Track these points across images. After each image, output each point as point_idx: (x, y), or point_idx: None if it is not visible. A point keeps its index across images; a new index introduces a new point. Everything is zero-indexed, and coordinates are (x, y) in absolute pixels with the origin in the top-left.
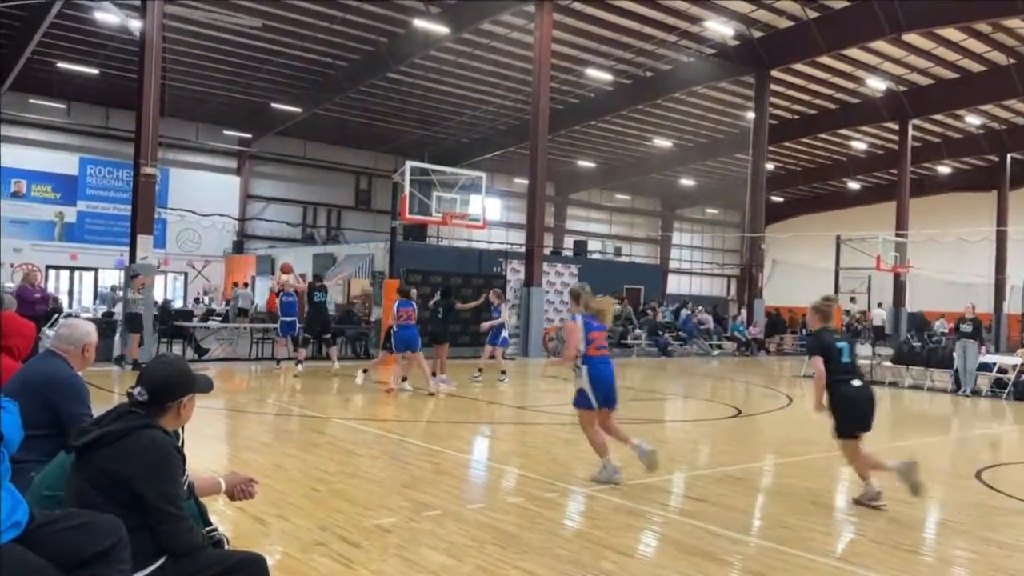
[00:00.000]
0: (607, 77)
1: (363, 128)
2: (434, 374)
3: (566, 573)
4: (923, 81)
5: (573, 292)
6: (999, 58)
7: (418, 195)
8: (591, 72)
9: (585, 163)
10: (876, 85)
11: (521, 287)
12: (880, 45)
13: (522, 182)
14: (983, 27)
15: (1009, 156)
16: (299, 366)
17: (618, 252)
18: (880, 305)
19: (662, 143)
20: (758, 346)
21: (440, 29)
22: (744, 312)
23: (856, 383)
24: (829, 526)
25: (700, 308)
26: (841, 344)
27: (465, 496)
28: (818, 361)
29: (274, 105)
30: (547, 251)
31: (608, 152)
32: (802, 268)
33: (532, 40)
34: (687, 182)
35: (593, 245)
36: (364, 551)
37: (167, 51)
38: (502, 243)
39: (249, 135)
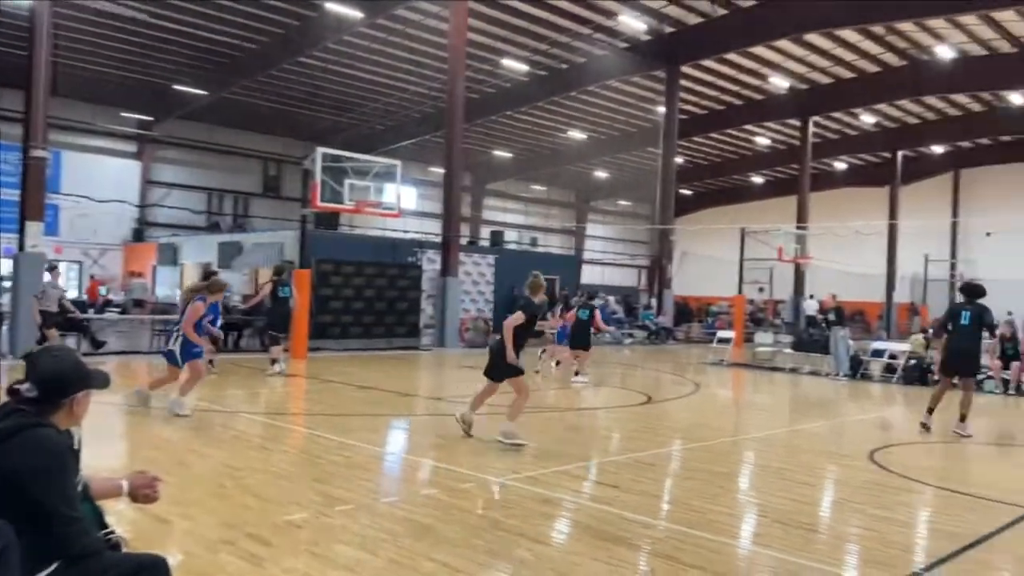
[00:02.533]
0: (523, 68)
1: (273, 113)
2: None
3: (481, 563)
4: (823, 80)
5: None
6: (892, 59)
7: (330, 182)
8: (507, 62)
9: (502, 153)
10: (780, 83)
11: (437, 277)
12: (784, 44)
13: (438, 171)
14: (878, 30)
15: (900, 153)
16: (275, 366)
17: (534, 243)
18: (812, 296)
19: (577, 135)
20: (667, 334)
21: (353, 13)
22: (654, 301)
23: None
24: (733, 508)
25: (606, 297)
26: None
27: (379, 489)
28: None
29: (177, 87)
30: (464, 241)
31: (525, 143)
32: (709, 259)
33: (448, 27)
34: (601, 174)
35: (510, 235)
36: (274, 548)
37: (60, 27)
38: (418, 232)
39: (151, 118)
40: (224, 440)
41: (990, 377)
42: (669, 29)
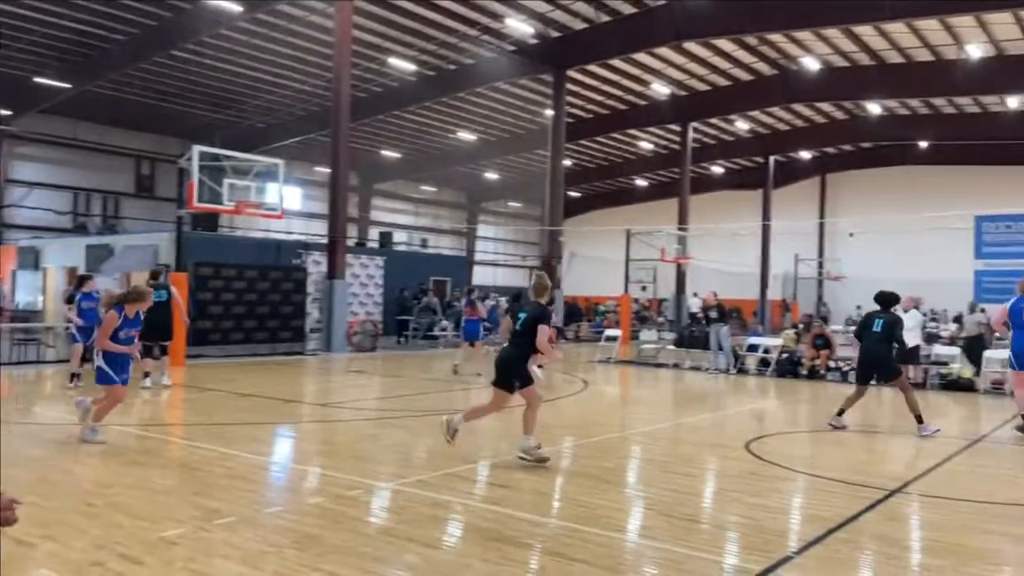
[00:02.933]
0: (410, 67)
1: (145, 108)
2: None
3: (370, 571)
4: (701, 87)
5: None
6: (764, 69)
7: (208, 182)
8: (394, 61)
9: (390, 153)
10: (661, 89)
11: (323, 280)
12: (664, 51)
13: (324, 171)
14: (751, 40)
15: (772, 158)
16: (147, 379)
17: (424, 244)
18: (696, 294)
19: (466, 136)
20: (557, 334)
21: (232, 6)
22: None
23: None
24: (621, 502)
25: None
26: None
27: (262, 500)
28: None
29: (37, 80)
30: (351, 242)
31: (414, 143)
32: (597, 260)
33: (332, 24)
34: (491, 176)
35: (399, 237)
36: (147, 567)
37: None
38: (303, 234)
39: (8, 112)
40: (92, 455)
41: (848, 369)
42: (555, 33)
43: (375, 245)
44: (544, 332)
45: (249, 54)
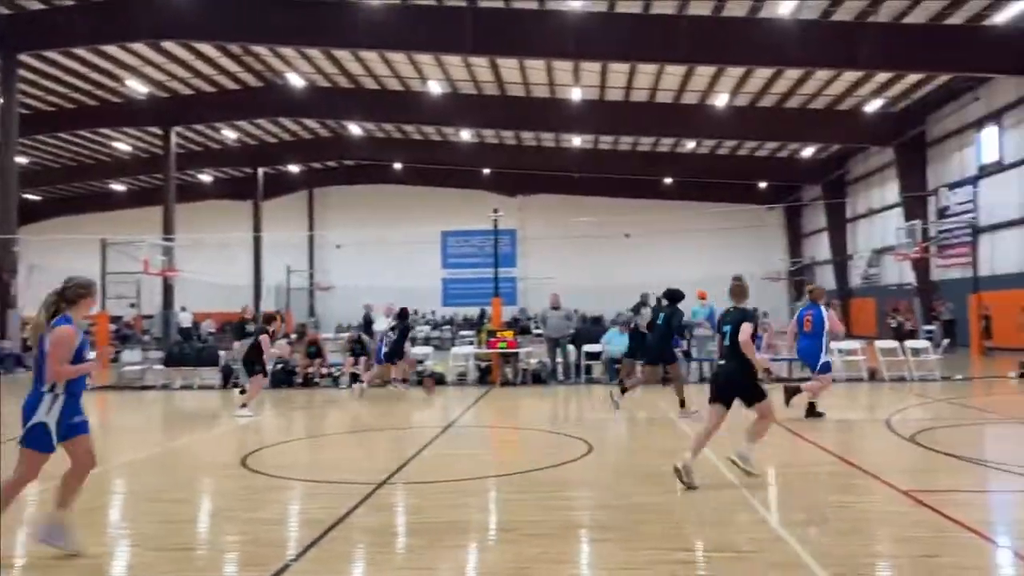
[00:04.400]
0: None
1: None
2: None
3: None
4: (184, 90)
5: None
6: (251, 80)
7: None
8: None
9: None
10: (138, 88)
11: None
12: (140, 48)
13: None
14: (235, 48)
15: (261, 170)
16: None
17: None
18: (184, 309)
19: None
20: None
21: None
22: None
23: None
24: (107, 545)
25: None
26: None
27: None
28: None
29: None
30: None
31: None
32: (65, 273)
33: None
34: None
35: None
36: None
37: None
38: None
39: None
40: None
41: (339, 375)
42: (4, 11)
43: None
44: (747, 331)
45: None
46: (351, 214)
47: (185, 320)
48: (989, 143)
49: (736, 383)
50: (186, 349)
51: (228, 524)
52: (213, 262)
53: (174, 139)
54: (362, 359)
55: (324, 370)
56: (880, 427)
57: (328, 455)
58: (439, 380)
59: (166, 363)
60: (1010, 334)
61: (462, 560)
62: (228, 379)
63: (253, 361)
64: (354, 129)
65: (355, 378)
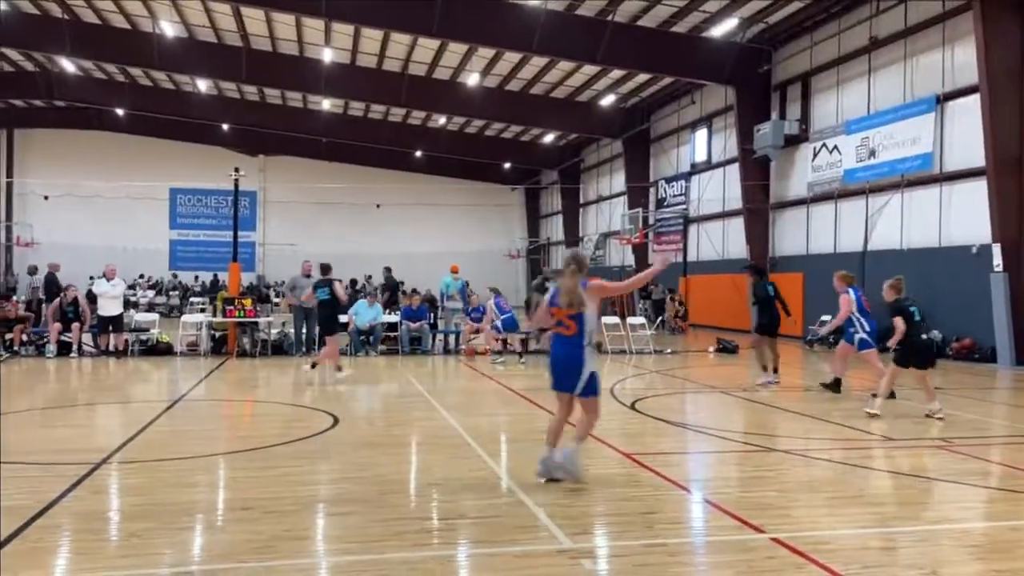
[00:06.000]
0: None
1: None
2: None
3: None
4: None
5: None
6: None
7: None
8: None
9: None
10: None
11: None
12: None
13: None
14: None
15: None
16: None
17: None
18: None
19: None
20: None
21: None
22: None
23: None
24: None
25: None
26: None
27: None
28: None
29: None
30: None
31: None
32: None
33: None
34: None
35: None
36: None
37: None
38: None
39: None
40: None
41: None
42: None
43: None
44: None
45: None
46: (63, 162)
47: None
48: (701, 143)
49: None
50: None
51: None
52: None
53: None
54: (75, 325)
55: (25, 337)
56: (605, 396)
57: (35, 433)
58: (165, 351)
59: None
60: (709, 312)
61: (194, 542)
62: None
63: None
64: (67, 65)
65: (66, 347)
